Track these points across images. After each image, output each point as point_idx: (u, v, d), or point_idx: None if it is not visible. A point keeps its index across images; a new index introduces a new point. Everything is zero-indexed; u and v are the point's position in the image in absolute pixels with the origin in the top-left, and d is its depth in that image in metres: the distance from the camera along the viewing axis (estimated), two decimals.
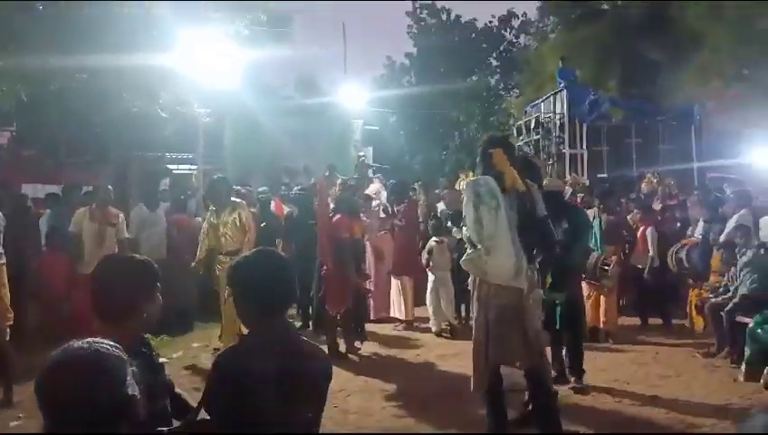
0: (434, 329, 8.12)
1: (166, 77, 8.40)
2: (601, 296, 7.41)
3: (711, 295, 7.18)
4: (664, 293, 8.50)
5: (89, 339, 1.59)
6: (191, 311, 8.31)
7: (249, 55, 9.84)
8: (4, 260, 5.65)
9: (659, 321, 8.35)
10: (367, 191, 9.97)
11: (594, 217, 7.34)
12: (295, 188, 9.79)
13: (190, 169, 13.35)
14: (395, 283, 8.82)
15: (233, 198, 7.29)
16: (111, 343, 1.61)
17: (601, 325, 7.46)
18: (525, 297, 4.30)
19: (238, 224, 7.05)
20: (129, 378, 1.58)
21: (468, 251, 4.41)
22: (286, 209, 9.31)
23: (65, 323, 6.43)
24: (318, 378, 2.27)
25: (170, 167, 14.41)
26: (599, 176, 13.90)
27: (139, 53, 7.51)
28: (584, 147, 14.67)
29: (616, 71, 18.45)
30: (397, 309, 8.79)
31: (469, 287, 4.83)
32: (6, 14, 7.01)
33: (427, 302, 8.25)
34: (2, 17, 6.98)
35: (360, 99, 20.68)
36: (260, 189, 9.61)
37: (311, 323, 8.33)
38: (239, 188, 8.47)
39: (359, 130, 19.58)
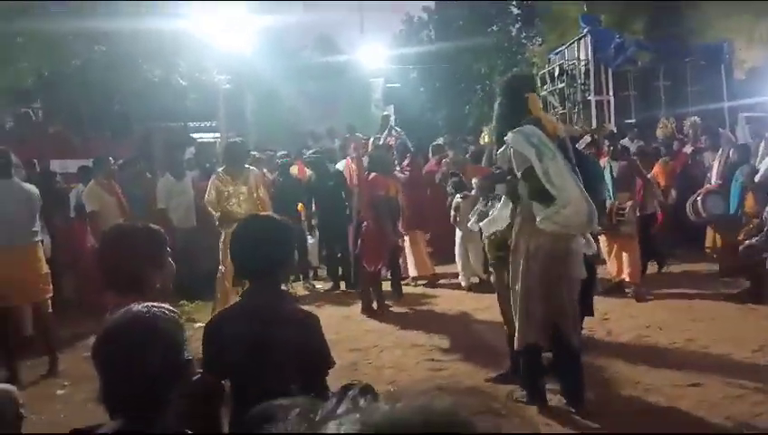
0: (463, 284, 8.13)
1: (182, 43, 8.36)
2: (623, 248, 7.13)
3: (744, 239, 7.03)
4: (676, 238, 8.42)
5: (147, 304, 1.61)
6: None
7: (266, 19, 9.75)
8: (39, 237, 5.77)
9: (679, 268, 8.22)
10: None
11: (605, 166, 7.20)
12: (309, 151, 9.74)
13: (213, 137, 13.40)
14: (406, 239, 8.82)
15: (247, 165, 7.06)
16: (169, 307, 1.63)
17: (626, 278, 7.18)
18: (579, 247, 4.15)
19: (250, 194, 6.78)
20: (184, 343, 1.60)
21: (537, 210, 4.03)
22: (308, 172, 9.32)
23: (99, 293, 6.55)
24: (291, 344, 2.21)
25: (194, 135, 14.47)
26: (626, 122, 13.63)
27: (154, 18, 7.48)
28: (610, 93, 14.32)
29: (641, 12, 17.83)
30: (411, 265, 8.81)
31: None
32: None
33: (456, 257, 8.25)
34: None
35: (379, 57, 20.42)
36: (279, 153, 9.64)
37: (341, 283, 8.41)
38: (256, 153, 8.47)
39: (379, 88, 19.36)
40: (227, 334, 2.23)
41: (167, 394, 1.55)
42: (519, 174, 4.12)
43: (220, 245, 6.60)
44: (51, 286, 5.79)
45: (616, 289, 7.15)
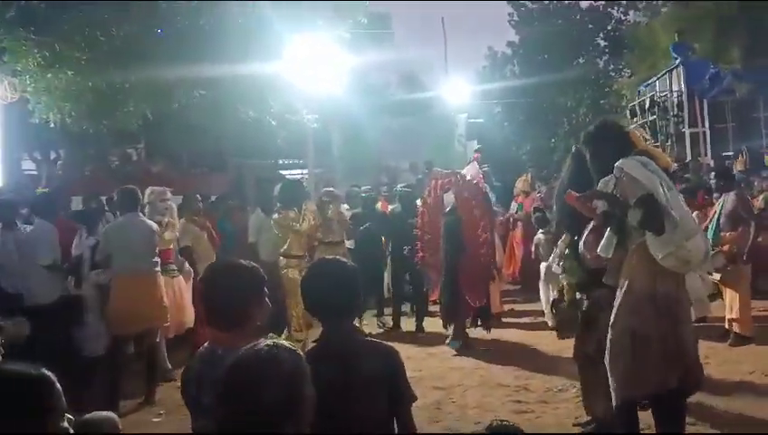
0: (549, 323, 7.92)
1: (275, 86, 8.76)
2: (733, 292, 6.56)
3: None
4: None
5: (271, 341, 1.69)
6: None
7: (352, 58, 10.06)
8: (158, 268, 6.11)
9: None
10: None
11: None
12: (399, 185, 9.81)
13: (301, 174, 13.84)
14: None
15: (306, 202, 7.42)
16: (288, 346, 1.70)
17: (726, 324, 6.61)
18: (702, 286, 3.91)
19: (305, 226, 7.13)
20: (306, 380, 1.66)
21: (654, 244, 3.67)
22: (390, 207, 9.39)
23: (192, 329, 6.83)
24: (377, 377, 2.29)
25: (283, 172, 15.00)
26: (723, 154, 13.02)
27: (248, 64, 7.90)
28: (706, 125, 13.75)
29: (738, 41, 17.10)
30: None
31: None
32: (132, 38, 7.57)
33: (540, 294, 8.07)
34: (128, 41, 7.56)
35: (462, 93, 20.56)
36: (363, 188, 9.81)
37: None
38: (333, 189, 8.65)
39: (462, 123, 19.44)
40: (317, 373, 2.29)
41: (286, 425, 1.61)
42: (632, 202, 3.74)
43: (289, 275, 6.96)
44: (166, 316, 6.10)
45: (723, 334, 6.70)
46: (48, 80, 7.67)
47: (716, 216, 6.73)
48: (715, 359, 6.03)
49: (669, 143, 14.35)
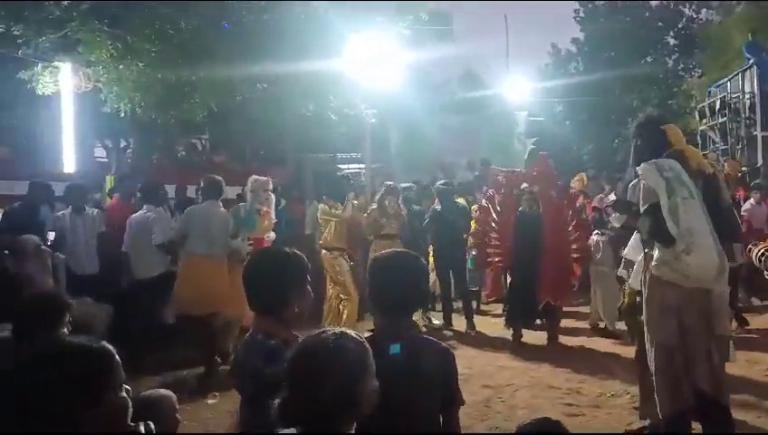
0: (601, 325, 7.75)
1: (335, 81, 8.87)
2: None
3: None
4: None
5: (337, 330, 1.71)
6: (363, 301, 8.66)
7: (412, 55, 10.07)
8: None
9: None
10: None
11: None
12: (438, 182, 9.58)
13: (358, 168, 13.95)
14: None
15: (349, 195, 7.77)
16: (355, 336, 1.71)
17: None
18: (717, 301, 3.66)
19: (346, 214, 7.47)
20: (371, 371, 1.68)
21: (656, 252, 3.67)
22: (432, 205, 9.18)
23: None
24: (435, 375, 2.28)
25: (341, 166, 15.15)
26: None
27: (310, 60, 8.04)
28: None
29: None
30: None
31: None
32: (200, 33, 7.81)
33: (592, 297, 7.92)
34: (196, 35, 7.80)
35: (524, 90, 20.25)
36: (403, 185, 9.67)
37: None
38: (389, 182, 8.67)
39: (522, 121, 19.16)
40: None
41: (345, 415, 1.64)
42: (643, 207, 3.71)
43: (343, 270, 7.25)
44: (230, 303, 6.13)
45: None
46: (120, 71, 7.99)
47: None
48: None
49: (740, 146, 13.79)
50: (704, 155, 14.98)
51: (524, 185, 7.64)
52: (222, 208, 6.45)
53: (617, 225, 5.27)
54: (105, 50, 7.60)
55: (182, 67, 8.06)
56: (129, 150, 13.79)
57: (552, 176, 7.85)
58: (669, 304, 3.69)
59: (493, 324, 8.41)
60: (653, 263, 3.70)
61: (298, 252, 2.42)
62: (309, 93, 8.72)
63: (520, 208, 7.44)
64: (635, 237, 4.05)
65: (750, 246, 6.33)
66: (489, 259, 8.27)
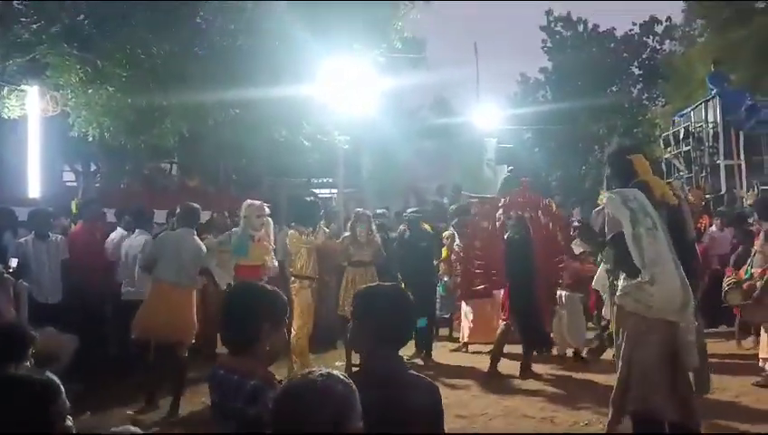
0: (554, 352, 7.75)
1: (308, 107, 8.86)
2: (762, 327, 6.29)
3: None
4: None
5: (324, 371, 1.67)
6: (336, 329, 8.56)
7: (386, 82, 10.14)
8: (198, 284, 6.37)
9: None
10: None
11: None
12: (409, 209, 9.53)
13: (331, 193, 13.94)
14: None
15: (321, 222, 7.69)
16: (341, 377, 1.67)
17: (760, 362, 6.34)
18: (684, 334, 3.69)
19: (318, 240, 7.32)
20: (356, 413, 1.64)
21: (621, 282, 3.73)
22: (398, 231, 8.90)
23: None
24: (420, 412, 2.23)
25: (316, 191, 15.11)
26: (761, 188, 12.76)
27: (284, 86, 8.02)
28: (741, 157, 13.51)
29: None
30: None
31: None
32: (172, 57, 7.74)
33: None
34: (168, 60, 7.73)
35: (493, 117, 20.57)
36: (378, 211, 9.63)
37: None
38: (360, 209, 8.52)
39: (492, 148, 19.42)
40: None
41: None
42: (608, 239, 3.75)
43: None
44: (193, 333, 6.20)
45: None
46: (89, 95, 7.86)
47: (755, 251, 6.40)
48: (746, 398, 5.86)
49: (704, 174, 14.14)
50: (668, 183, 15.39)
51: (500, 212, 7.68)
52: (195, 237, 6.31)
53: (576, 251, 5.37)
54: (74, 74, 7.48)
55: (153, 92, 7.98)
56: (98, 175, 13.58)
57: (538, 200, 7.91)
58: (632, 332, 3.74)
59: (462, 354, 8.43)
60: (618, 293, 3.74)
61: (277, 290, 2.36)
62: (281, 119, 8.69)
63: (507, 235, 7.42)
64: (602, 267, 4.13)
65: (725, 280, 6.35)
66: (474, 288, 8.24)
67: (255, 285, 2.51)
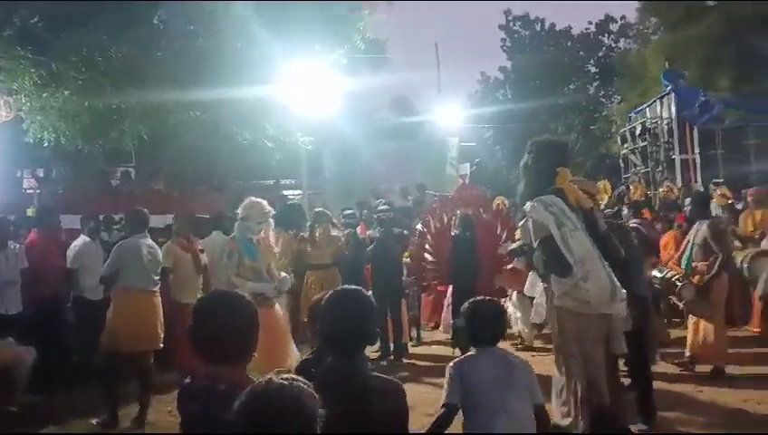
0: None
1: (271, 108, 8.80)
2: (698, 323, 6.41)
3: None
4: None
5: (289, 376, 1.64)
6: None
7: (348, 83, 10.13)
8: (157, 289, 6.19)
9: None
10: None
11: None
12: (381, 207, 9.03)
13: (293, 195, 13.85)
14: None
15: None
16: (304, 381, 1.65)
17: (688, 352, 6.48)
18: (614, 322, 3.96)
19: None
20: (318, 417, 1.62)
21: (555, 285, 3.93)
22: (369, 232, 8.84)
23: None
24: (382, 415, 2.24)
25: (286, 193, 14.92)
26: (714, 181, 13.16)
27: (246, 87, 7.94)
28: (696, 151, 13.92)
29: (728, 69, 17.40)
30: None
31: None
32: (129, 59, 7.59)
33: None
34: (125, 62, 7.58)
35: (455, 116, 20.73)
36: (346, 213, 9.26)
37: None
38: (319, 209, 8.36)
39: (454, 147, 19.57)
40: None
41: None
42: (536, 243, 3.99)
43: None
44: (161, 339, 6.06)
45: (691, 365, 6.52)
46: (44, 99, 7.67)
47: (690, 245, 6.51)
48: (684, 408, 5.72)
49: (660, 169, 14.51)
50: (625, 178, 15.72)
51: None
52: (150, 240, 6.21)
53: (519, 267, 5.62)
54: (28, 78, 7.27)
55: (110, 94, 7.81)
56: (58, 181, 13.22)
57: (482, 197, 8.01)
58: (573, 330, 3.97)
59: (426, 351, 8.41)
60: (556, 295, 3.96)
61: (249, 298, 2.33)
62: (243, 120, 8.61)
63: (453, 232, 7.53)
64: (531, 274, 4.34)
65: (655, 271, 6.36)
66: (425, 283, 8.34)
67: (231, 293, 2.44)
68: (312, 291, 7.08)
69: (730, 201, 9.78)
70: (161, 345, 6.07)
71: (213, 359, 2.18)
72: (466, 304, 3.27)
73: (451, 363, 3.20)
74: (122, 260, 5.99)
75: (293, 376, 1.66)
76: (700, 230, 6.42)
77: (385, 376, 2.43)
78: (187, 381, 2.28)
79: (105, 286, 6.34)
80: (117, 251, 6.11)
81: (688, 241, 6.59)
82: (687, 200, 8.79)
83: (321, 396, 1.64)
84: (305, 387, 1.63)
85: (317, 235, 7.61)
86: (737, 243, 7.87)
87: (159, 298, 6.15)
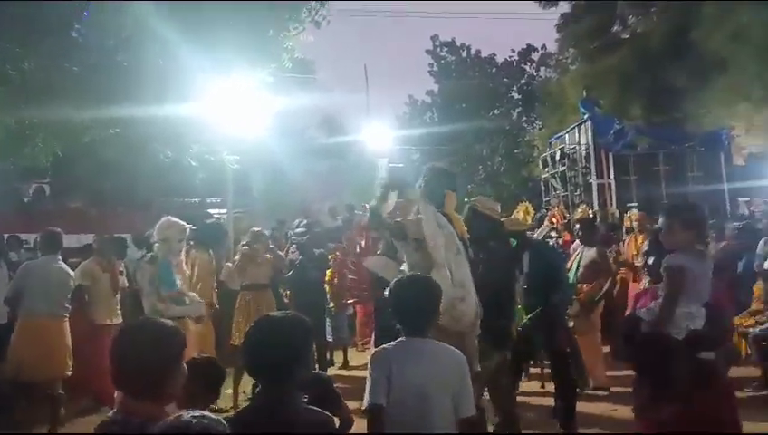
0: None
1: (194, 127, 8.61)
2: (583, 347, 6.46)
3: (755, 329, 6.88)
4: None
5: (196, 413, 1.59)
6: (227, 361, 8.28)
7: (276, 102, 10.05)
8: (66, 314, 5.90)
9: None
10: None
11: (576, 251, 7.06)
12: (297, 229, 8.90)
13: (219, 213, 13.56)
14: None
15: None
16: (215, 417, 1.60)
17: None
18: (472, 341, 4.13)
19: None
20: None
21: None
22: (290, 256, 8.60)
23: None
24: None
25: (212, 211, 14.60)
26: (628, 205, 13.80)
27: (168, 104, 7.73)
28: (611, 176, 14.58)
29: (640, 99, 18.37)
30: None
31: None
32: (44, 73, 7.28)
33: None
34: (37, 73, 7.25)
35: (383, 138, 20.93)
36: (297, 231, 9.20)
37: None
38: (256, 229, 8.26)
39: (383, 168, 19.74)
40: None
41: None
42: (414, 241, 4.06)
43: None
44: (68, 366, 5.79)
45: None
46: None
47: (576, 265, 6.85)
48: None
49: (578, 193, 15.09)
50: (546, 201, 16.21)
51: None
52: (62, 263, 5.93)
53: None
54: None
55: (23, 109, 7.44)
56: None
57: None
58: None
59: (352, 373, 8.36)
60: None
61: (176, 326, 2.21)
62: (165, 138, 8.37)
63: (378, 252, 7.54)
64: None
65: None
66: (345, 301, 8.34)
67: (152, 321, 2.31)
68: (245, 310, 6.97)
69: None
70: (69, 373, 5.77)
71: (130, 393, 2.07)
72: (393, 282, 2.96)
73: (374, 352, 2.94)
74: (27, 281, 5.70)
75: (204, 413, 1.61)
76: (587, 253, 6.86)
77: (316, 409, 2.32)
78: (113, 413, 2.16)
79: (10, 308, 6.00)
80: (22, 272, 5.83)
81: (573, 261, 6.96)
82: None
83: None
84: (218, 421, 1.59)
85: (258, 253, 7.41)
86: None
87: (67, 323, 5.86)
